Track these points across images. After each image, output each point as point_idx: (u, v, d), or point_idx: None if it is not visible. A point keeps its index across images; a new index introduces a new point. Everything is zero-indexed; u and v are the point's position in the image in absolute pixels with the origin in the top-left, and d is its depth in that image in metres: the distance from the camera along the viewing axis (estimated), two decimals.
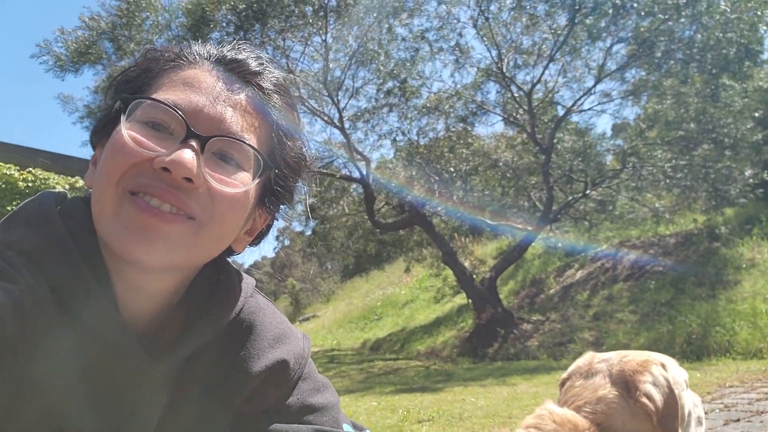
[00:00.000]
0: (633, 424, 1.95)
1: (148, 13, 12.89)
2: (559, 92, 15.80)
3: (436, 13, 15.00)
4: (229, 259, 1.11)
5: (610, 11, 13.09)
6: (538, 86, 15.18)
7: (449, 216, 18.09)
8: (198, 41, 1.02)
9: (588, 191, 14.73)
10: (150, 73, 0.95)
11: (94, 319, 0.85)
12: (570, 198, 15.13)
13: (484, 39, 14.57)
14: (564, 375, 2.18)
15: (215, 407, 1.00)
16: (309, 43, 14.88)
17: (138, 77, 0.96)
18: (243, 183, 0.90)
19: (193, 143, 0.85)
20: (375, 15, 14.17)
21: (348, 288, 30.40)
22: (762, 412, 5.26)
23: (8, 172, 9.30)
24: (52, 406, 0.83)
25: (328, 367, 13.89)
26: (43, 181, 9.28)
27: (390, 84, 15.81)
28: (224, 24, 13.67)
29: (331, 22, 14.10)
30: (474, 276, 15.42)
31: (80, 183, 9.61)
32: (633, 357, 2.10)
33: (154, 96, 0.89)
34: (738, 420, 5.07)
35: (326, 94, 14.73)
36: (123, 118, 0.88)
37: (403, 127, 16.50)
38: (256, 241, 1.09)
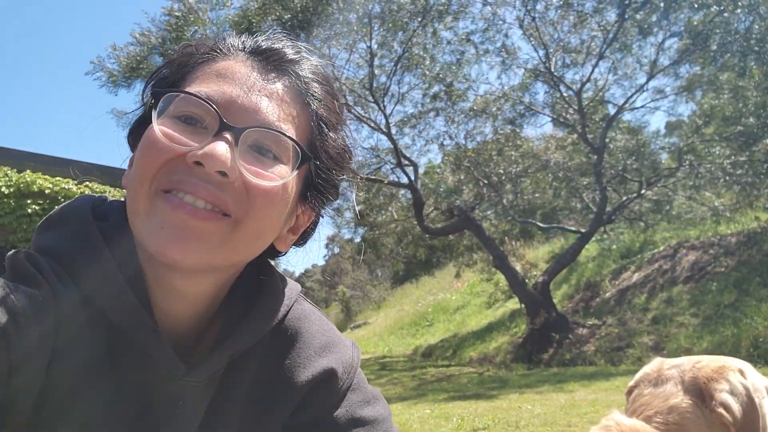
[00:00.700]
0: None
1: (196, 27, 13.10)
2: (610, 90, 15.46)
3: (482, 14, 14.88)
4: (279, 268, 1.04)
5: (662, 5, 12.72)
6: (588, 85, 14.88)
7: (499, 220, 17.89)
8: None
9: (643, 191, 14.33)
10: (185, 68, 0.90)
11: (126, 325, 0.82)
12: (624, 198, 14.75)
13: (531, 39, 14.37)
14: (631, 383, 2.07)
15: (259, 419, 0.95)
16: (354, 50, 14.94)
17: (174, 73, 0.91)
18: (280, 176, 0.84)
19: (227, 135, 0.81)
20: (419, 20, 14.11)
21: (398, 294, 30.35)
22: None
23: (66, 186, 9.57)
24: (81, 417, 0.80)
25: (379, 374, 13.83)
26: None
27: (436, 88, 15.76)
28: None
29: (375, 29, 14.12)
30: (526, 280, 15.16)
31: None
32: (707, 363, 1.96)
33: (186, 89, 0.85)
34: None
35: (372, 100, 14.75)
36: (154, 113, 0.83)
37: (450, 131, 16.42)
38: (302, 240, 1.02)
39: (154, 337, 0.82)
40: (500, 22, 14.84)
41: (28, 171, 9.75)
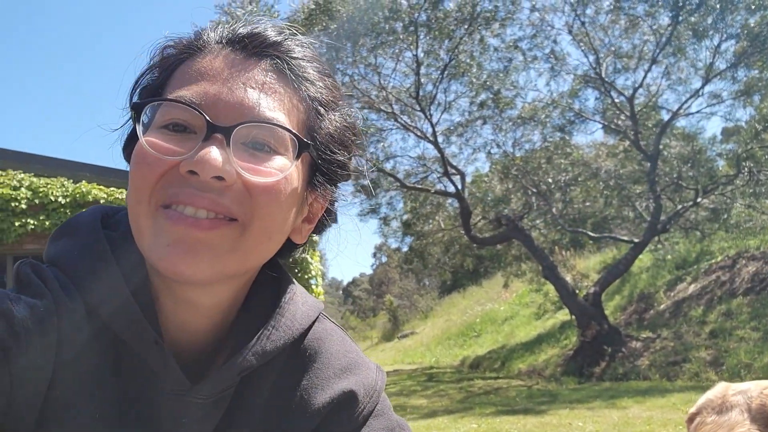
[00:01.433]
0: None
1: None
2: (663, 96, 15.02)
3: (529, 21, 14.68)
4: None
5: (717, 6, 12.29)
6: (640, 90, 14.49)
7: (548, 229, 17.56)
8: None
9: (699, 199, 13.84)
10: (166, 71, 0.85)
11: (129, 337, 0.78)
12: (679, 207, 14.26)
13: (581, 44, 14.08)
14: (693, 409, 1.94)
15: None
16: (400, 59, 14.92)
17: (156, 78, 0.86)
18: (281, 169, 0.79)
19: (218, 137, 0.76)
20: (466, 27, 14.00)
21: (446, 304, 30.12)
22: None
23: (120, 196, 9.80)
24: (83, 431, 0.77)
25: (426, 385, 13.68)
26: None
27: (483, 96, 15.61)
28: (317, 45, 13.92)
29: (421, 37, 14.07)
30: (577, 291, 14.80)
31: None
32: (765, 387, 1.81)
33: (169, 96, 0.80)
34: None
35: (419, 109, 14.69)
36: (139, 127, 0.79)
37: (497, 140, 16.22)
38: (320, 228, 0.97)
39: (156, 350, 0.79)
40: (549, 28, 14.62)
41: (83, 181, 10.04)
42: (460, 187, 15.15)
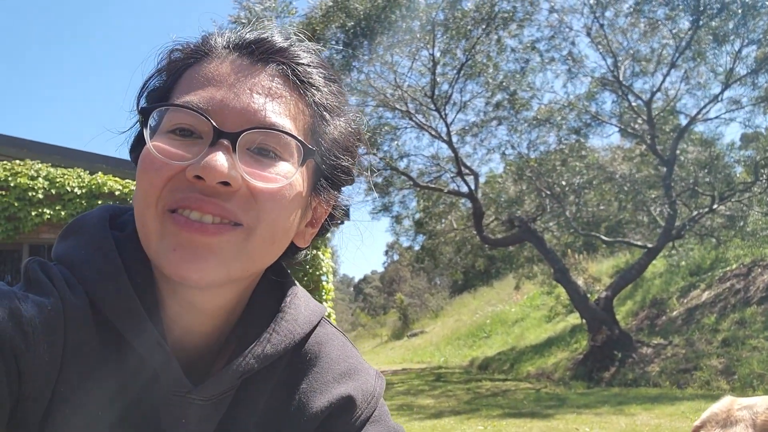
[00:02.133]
0: None
1: None
2: (682, 100, 14.87)
3: (548, 22, 14.59)
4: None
5: (739, 11, 12.14)
6: (658, 95, 14.35)
7: (561, 232, 17.46)
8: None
9: (715, 206, 13.70)
10: (174, 75, 0.87)
11: (132, 337, 0.79)
12: (695, 213, 14.12)
13: (599, 47, 13.97)
14: (697, 422, 1.90)
15: None
16: (416, 57, 14.88)
17: (164, 82, 0.88)
18: (285, 175, 0.80)
19: (224, 142, 0.77)
20: (483, 27, 13.94)
21: (457, 304, 30.07)
22: None
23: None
24: (86, 428, 0.78)
25: (434, 385, 13.67)
26: None
27: (499, 96, 15.54)
28: (333, 42, 13.93)
29: (438, 36, 14.02)
30: (588, 295, 14.71)
31: None
32: None
33: (176, 100, 0.81)
34: None
35: (433, 108, 14.65)
36: (146, 132, 0.81)
37: (512, 141, 16.14)
38: (323, 231, 0.98)
39: (159, 351, 0.80)
40: (567, 30, 14.52)
41: (99, 173, 10.12)
42: (473, 187, 15.09)
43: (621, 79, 13.99)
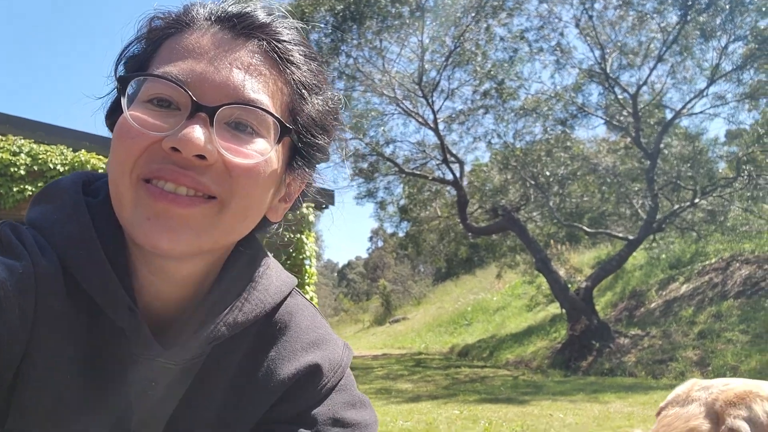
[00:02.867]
0: None
1: None
2: (668, 94, 14.96)
3: (537, 12, 14.58)
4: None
5: (727, 7, 12.20)
6: (645, 88, 14.43)
7: (545, 222, 17.56)
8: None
9: (697, 200, 13.83)
10: (154, 44, 0.86)
11: (103, 302, 0.80)
12: (677, 207, 14.25)
13: (587, 38, 14.00)
14: (662, 403, 1.98)
15: (236, 410, 0.91)
16: (405, 44, 14.83)
17: (143, 50, 0.87)
18: (261, 152, 0.81)
19: (202, 115, 0.78)
20: (473, 15, 13.91)
21: (439, 291, 30.20)
22: None
23: None
24: (57, 390, 0.79)
25: (413, 370, 13.76)
26: None
27: (487, 85, 15.53)
28: (323, 25, 13.84)
29: (427, 23, 13.98)
30: (569, 285, 14.83)
31: None
32: (735, 386, 1.84)
33: (155, 70, 0.81)
34: None
35: (421, 95, 14.63)
36: (123, 100, 0.81)
37: (498, 130, 16.16)
38: (295, 207, 0.99)
39: (130, 315, 0.81)
40: (556, 21, 14.52)
41: (83, 150, 10.02)
42: (458, 175, 15.12)
43: (608, 71, 14.04)
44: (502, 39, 14.94)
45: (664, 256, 16.42)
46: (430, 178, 16.03)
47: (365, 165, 16.81)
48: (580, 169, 15.87)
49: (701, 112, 14.59)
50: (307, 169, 0.94)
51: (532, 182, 15.64)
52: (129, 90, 0.82)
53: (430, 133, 15.50)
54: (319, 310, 1.07)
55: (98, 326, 0.81)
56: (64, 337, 0.79)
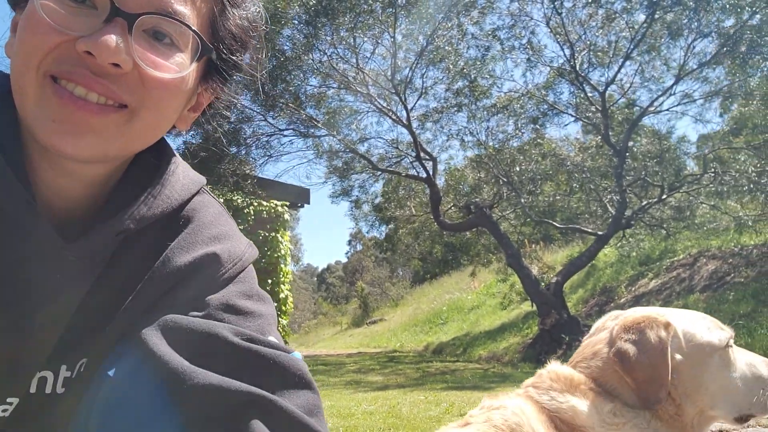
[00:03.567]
0: (623, 383, 1.77)
1: None
2: (637, 93, 15.17)
3: (509, 10, 14.71)
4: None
5: (691, 4, 12.41)
6: (614, 87, 14.62)
7: (518, 220, 17.69)
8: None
9: (664, 196, 14.03)
10: None
11: (1, 198, 0.78)
12: (644, 203, 14.45)
13: (557, 37, 14.16)
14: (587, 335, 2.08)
15: (134, 301, 0.90)
16: (379, 41, 14.87)
17: None
18: (179, 66, 0.80)
19: (120, 20, 0.75)
20: (444, 13, 13.99)
21: (417, 293, 30.23)
22: None
23: None
24: None
25: (385, 365, 13.78)
26: None
27: (460, 83, 15.63)
28: (296, 21, 13.84)
29: (400, 20, 14.04)
30: (542, 283, 14.94)
31: None
32: (636, 313, 1.92)
33: None
34: None
35: (393, 92, 14.67)
36: None
37: (471, 128, 16.25)
38: (204, 115, 1.01)
39: (28, 209, 0.79)
40: (527, 19, 14.66)
41: None
42: (431, 172, 15.19)
43: (578, 69, 14.20)
44: (474, 37, 15.05)
45: (634, 253, 16.61)
46: (402, 174, 16.07)
47: (339, 163, 16.85)
48: (552, 168, 16.03)
49: (668, 110, 14.80)
50: (220, 83, 0.94)
51: (505, 179, 15.74)
52: None
53: (405, 131, 15.56)
54: (227, 211, 1.06)
55: None
56: None
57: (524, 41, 14.85)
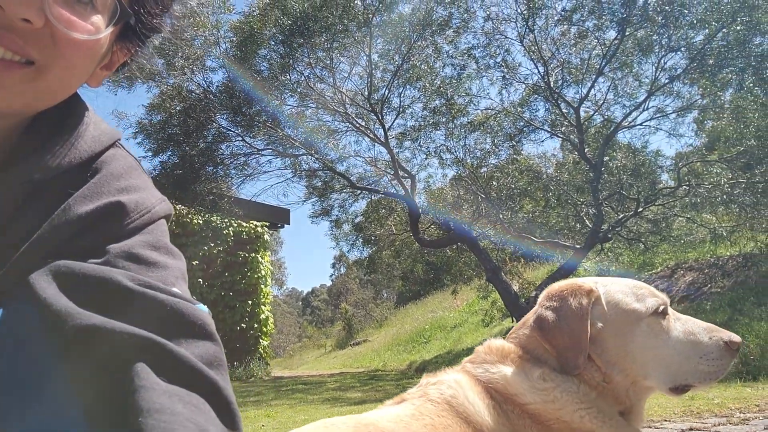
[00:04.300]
0: (546, 350, 1.79)
1: (196, 30, 13.20)
2: (610, 109, 15.38)
3: (483, 29, 14.90)
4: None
5: (660, 20, 12.67)
6: (588, 102, 14.82)
7: (498, 237, 17.74)
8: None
9: (640, 209, 14.17)
10: None
11: None
12: (621, 216, 14.58)
13: (531, 55, 14.36)
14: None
15: (32, 247, 0.86)
16: (356, 61, 15.00)
17: None
18: (95, 27, 0.78)
19: None
20: (419, 32, 14.14)
21: (401, 314, 30.11)
22: None
23: None
24: None
25: (366, 383, 13.67)
26: None
27: (437, 102, 15.76)
28: (272, 42, 13.92)
29: (376, 39, 14.17)
30: (522, 298, 14.96)
31: None
32: (562, 283, 1.95)
33: None
34: None
35: (370, 110, 14.76)
36: None
37: (449, 145, 16.36)
38: (115, 72, 0.98)
39: None
40: (501, 38, 14.85)
41: None
42: (409, 189, 15.24)
43: (552, 86, 14.38)
44: (450, 56, 15.22)
45: (613, 267, 16.72)
46: (381, 192, 16.11)
47: (319, 183, 16.87)
48: (530, 184, 16.14)
49: (641, 125, 15.01)
50: (137, 44, 0.92)
51: (483, 196, 15.82)
52: None
53: (383, 150, 15.63)
54: (143, 168, 1.02)
55: None
56: None
57: (499, 59, 15.03)
